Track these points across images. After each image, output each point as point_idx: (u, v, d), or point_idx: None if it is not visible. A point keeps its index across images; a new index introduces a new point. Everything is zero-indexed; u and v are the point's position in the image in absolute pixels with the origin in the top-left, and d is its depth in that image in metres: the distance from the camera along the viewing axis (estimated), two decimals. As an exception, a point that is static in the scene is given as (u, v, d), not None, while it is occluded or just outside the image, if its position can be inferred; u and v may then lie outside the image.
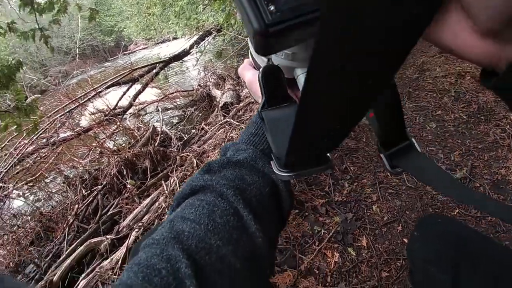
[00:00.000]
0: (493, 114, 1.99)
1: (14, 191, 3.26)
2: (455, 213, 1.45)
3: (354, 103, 0.24)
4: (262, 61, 0.43)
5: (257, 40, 0.22)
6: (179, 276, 0.28)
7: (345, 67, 0.20)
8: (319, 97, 0.23)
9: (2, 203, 3.17)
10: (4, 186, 3.25)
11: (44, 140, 3.78)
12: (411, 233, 0.75)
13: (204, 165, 0.40)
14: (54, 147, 3.59)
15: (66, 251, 2.09)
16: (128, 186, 2.49)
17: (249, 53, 0.46)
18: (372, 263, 1.31)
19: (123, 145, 3.23)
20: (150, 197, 2.17)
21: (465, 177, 1.61)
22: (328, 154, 0.36)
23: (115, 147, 3.15)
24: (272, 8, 0.21)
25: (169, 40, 11.55)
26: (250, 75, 0.45)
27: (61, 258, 2.04)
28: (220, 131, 2.76)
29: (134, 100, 4.52)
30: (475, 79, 2.39)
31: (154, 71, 4.91)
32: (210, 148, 2.48)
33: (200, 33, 6.04)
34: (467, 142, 1.84)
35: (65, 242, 2.25)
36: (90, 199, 2.61)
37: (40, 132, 3.69)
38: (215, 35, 5.76)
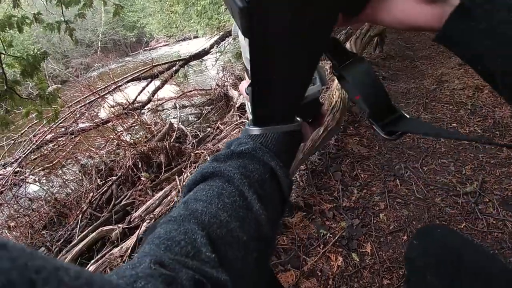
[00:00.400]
0: (508, 130, 1.97)
1: (31, 176, 3.37)
2: (462, 226, 1.45)
3: (293, 62, 0.30)
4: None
5: (241, 17, 0.25)
6: (196, 245, 0.31)
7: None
8: (267, 56, 0.29)
9: (18, 187, 3.27)
10: (21, 170, 3.37)
11: (63, 129, 3.90)
12: (410, 241, 0.76)
13: (212, 156, 0.44)
14: (73, 136, 3.69)
15: (77, 237, 2.16)
16: (142, 178, 2.56)
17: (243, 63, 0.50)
18: (375, 270, 1.33)
19: (140, 139, 3.30)
20: (163, 190, 2.23)
21: (475, 191, 1.61)
22: (298, 118, 0.44)
23: (132, 140, 3.22)
24: None
25: (190, 39, 11.66)
26: (245, 85, 0.50)
27: (72, 243, 2.11)
28: (235, 131, 2.80)
29: (152, 96, 4.60)
30: (493, 93, 2.37)
31: (174, 68, 4.98)
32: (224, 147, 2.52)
33: (221, 33, 6.08)
34: (480, 157, 1.83)
35: (78, 228, 2.33)
36: (105, 188, 2.70)
37: (60, 121, 3.80)
38: (235, 36, 5.78)
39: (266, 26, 0.26)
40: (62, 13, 3.55)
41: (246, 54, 0.36)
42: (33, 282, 0.15)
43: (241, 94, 3.67)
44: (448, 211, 1.55)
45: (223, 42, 5.97)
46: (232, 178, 0.39)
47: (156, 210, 2.04)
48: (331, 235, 1.48)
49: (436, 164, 1.86)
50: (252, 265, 0.36)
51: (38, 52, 3.00)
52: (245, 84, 0.47)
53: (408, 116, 0.39)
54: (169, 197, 2.10)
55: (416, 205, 1.62)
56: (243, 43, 0.44)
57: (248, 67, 0.45)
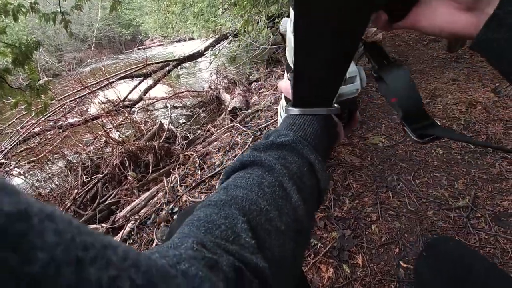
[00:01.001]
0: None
1: (16, 168, 3.28)
2: (454, 241, 1.44)
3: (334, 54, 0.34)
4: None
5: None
6: (236, 230, 0.32)
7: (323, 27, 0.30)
8: (310, 42, 0.32)
9: (2, 179, 3.18)
10: (6, 162, 3.28)
11: (52, 123, 3.83)
12: (420, 252, 0.75)
13: (252, 145, 0.47)
14: (61, 130, 3.62)
15: (60, 235, 2.09)
16: (129, 178, 2.50)
17: (286, 60, 0.55)
18: (366, 282, 1.29)
19: (128, 137, 3.25)
20: (150, 191, 2.17)
21: (467, 206, 1.60)
22: (335, 105, 0.46)
23: (120, 138, 3.17)
24: None
25: (185, 40, 11.65)
26: (285, 82, 0.52)
27: (54, 242, 2.04)
28: (226, 134, 2.76)
29: (144, 95, 4.56)
30: (486, 109, 2.38)
31: (167, 68, 4.94)
32: (215, 150, 2.48)
33: (217, 36, 6.08)
34: (472, 172, 1.83)
35: (60, 226, 2.25)
36: (90, 186, 2.63)
37: (48, 114, 3.73)
38: (231, 40, 5.80)
39: (314, 11, 0.28)
40: (59, 3, 3.48)
41: (291, 45, 0.38)
42: (80, 260, 0.14)
43: (233, 98, 3.66)
44: (440, 224, 1.53)
45: (218, 45, 5.96)
46: (273, 168, 0.39)
47: (141, 211, 1.98)
48: (322, 245, 1.45)
49: (428, 177, 1.85)
50: (289, 254, 0.36)
51: (31, 41, 2.92)
52: (282, 82, 0.51)
53: (439, 124, 0.41)
54: (155, 198, 2.05)
55: (408, 217, 1.60)
56: (290, 36, 0.48)
57: (290, 60, 0.49)
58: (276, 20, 4.46)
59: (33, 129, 3.62)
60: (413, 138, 0.41)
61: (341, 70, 0.38)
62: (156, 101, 4.80)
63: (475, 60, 3.52)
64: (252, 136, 2.46)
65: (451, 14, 0.34)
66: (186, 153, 2.60)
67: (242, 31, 4.32)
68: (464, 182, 1.77)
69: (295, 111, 0.44)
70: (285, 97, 0.57)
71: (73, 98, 4.03)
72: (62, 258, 0.13)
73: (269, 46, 4.97)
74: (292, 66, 0.41)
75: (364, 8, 0.29)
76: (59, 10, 3.49)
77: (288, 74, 0.47)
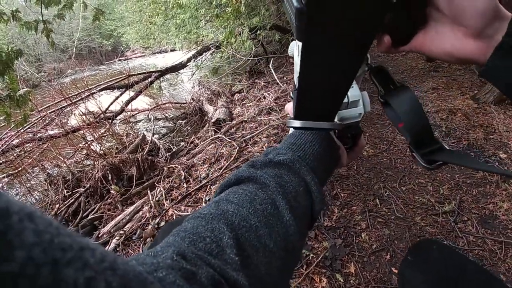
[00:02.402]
0: (483, 151, 2.04)
1: (-6, 182, 3.14)
2: (443, 247, 1.45)
3: (337, 69, 0.33)
4: None
5: (297, 16, 0.28)
6: (221, 244, 0.31)
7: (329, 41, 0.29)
8: (314, 64, 0.32)
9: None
10: (-16, 175, 3.14)
11: (31, 135, 3.70)
12: (404, 257, 0.74)
13: (249, 161, 0.45)
14: (40, 143, 3.49)
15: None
16: (112, 191, 2.42)
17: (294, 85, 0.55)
18: (359, 291, 1.28)
19: (111, 149, 3.17)
20: (134, 205, 2.10)
21: (453, 210, 1.63)
22: (336, 121, 0.45)
23: (102, 151, 3.08)
24: None
25: (167, 52, 11.60)
26: (291, 105, 0.52)
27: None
28: (211, 146, 2.74)
29: (126, 106, 4.48)
30: (466, 116, 2.46)
31: (149, 79, 4.89)
32: (200, 162, 2.45)
33: (199, 47, 6.08)
34: (456, 177, 1.87)
35: (40, 243, 2.15)
36: (71, 200, 2.52)
37: (28, 126, 3.61)
38: (213, 51, 5.82)
39: (318, 26, 0.27)
40: (41, 12, 3.41)
41: (297, 68, 0.39)
42: (56, 261, 0.14)
43: (217, 109, 3.65)
44: (428, 230, 1.54)
45: (201, 57, 5.96)
46: (267, 186, 0.39)
47: (126, 226, 1.91)
48: (314, 256, 1.43)
49: (414, 184, 1.88)
50: (275, 272, 0.35)
51: (12, 50, 2.83)
52: (289, 104, 0.51)
53: (448, 148, 0.41)
54: (140, 213, 1.98)
55: (397, 224, 1.60)
56: (297, 59, 0.48)
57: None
58: (258, 32, 4.50)
59: (12, 141, 3.49)
60: (422, 164, 0.41)
61: (343, 89, 0.37)
62: (138, 113, 4.72)
63: (453, 69, 3.64)
64: (238, 148, 2.44)
65: (459, 39, 0.34)
66: (170, 165, 2.54)
67: (224, 42, 4.34)
68: (449, 187, 1.80)
69: (296, 123, 0.44)
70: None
71: (53, 110, 3.92)
72: (39, 258, 0.13)
73: (252, 58, 5.00)
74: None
75: (369, 30, 0.28)
76: (41, 19, 3.42)
77: (291, 92, 0.47)
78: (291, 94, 0.49)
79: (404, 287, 0.72)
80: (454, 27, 0.34)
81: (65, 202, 2.51)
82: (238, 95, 4.37)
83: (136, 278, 0.19)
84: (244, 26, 4.28)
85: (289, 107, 0.52)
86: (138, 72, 4.94)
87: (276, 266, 0.35)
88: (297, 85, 0.38)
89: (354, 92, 0.48)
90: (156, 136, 3.85)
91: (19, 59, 3.01)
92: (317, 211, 0.44)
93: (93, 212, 2.34)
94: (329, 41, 0.29)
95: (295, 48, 0.54)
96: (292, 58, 0.55)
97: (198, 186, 2.06)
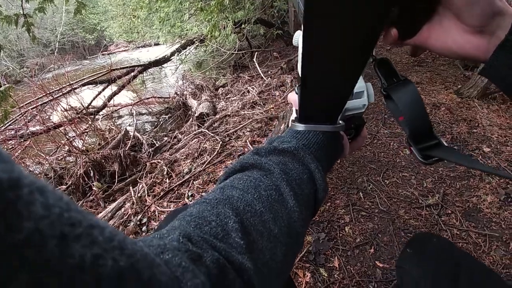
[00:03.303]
0: (466, 145, 2.05)
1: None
2: (426, 239, 1.45)
3: (346, 62, 0.32)
4: None
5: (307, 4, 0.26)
6: (226, 228, 0.32)
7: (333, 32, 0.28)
8: (317, 56, 0.30)
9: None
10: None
11: (13, 132, 3.63)
12: (403, 249, 0.74)
13: (253, 149, 0.45)
14: (22, 140, 3.42)
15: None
16: (94, 188, 2.36)
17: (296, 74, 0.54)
18: (344, 285, 1.27)
19: (93, 145, 3.09)
20: (116, 202, 2.05)
21: (437, 204, 1.63)
22: (340, 121, 0.45)
23: (84, 147, 3.01)
24: None
25: (150, 46, 11.45)
26: (294, 95, 0.53)
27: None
28: (194, 140, 2.70)
29: (108, 101, 4.39)
30: (450, 110, 2.48)
31: (132, 74, 4.81)
32: (182, 157, 2.41)
33: (183, 41, 6.02)
34: (440, 170, 1.88)
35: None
36: (52, 199, 2.46)
37: (9, 123, 3.51)
38: (197, 45, 5.76)
39: (323, 25, 0.27)
40: (22, 5, 3.29)
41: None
42: (64, 236, 0.14)
43: (200, 103, 3.60)
44: (412, 223, 1.54)
45: (184, 51, 5.89)
46: (271, 172, 0.40)
47: (109, 223, 1.86)
48: (297, 250, 1.42)
49: (397, 177, 1.88)
50: (279, 258, 0.35)
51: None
52: (292, 94, 0.52)
53: (446, 145, 0.41)
54: (122, 209, 1.93)
55: (381, 217, 1.60)
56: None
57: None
58: (243, 25, 4.46)
59: (-7, 138, 3.38)
60: (418, 158, 0.41)
61: (348, 87, 0.37)
62: (121, 108, 4.64)
63: (437, 63, 3.67)
64: (221, 142, 2.41)
65: (461, 36, 0.34)
66: (153, 161, 2.50)
67: (209, 36, 4.28)
68: (433, 181, 1.81)
69: (300, 127, 0.45)
70: (296, 110, 0.58)
71: (34, 106, 3.81)
72: (47, 230, 0.13)
73: (236, 52, 4.96)
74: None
75: (377, 22, 0.27)
76: (21, 12, 3.32)
77: (296, 87, 0.47)
78: (296, 90, 0.49)
79: (403, 280, 0.72)
80: (457, 23, 0.34)
81: (45, 200, 2.44)
82: (222, 89, 4.33)
83: (143, 258, 0.19)
84: (229, 20, 4.23)
85: (293, 97, 0.52)
86: (121, 67, 4.85)
87: (280, 252, 0.35)
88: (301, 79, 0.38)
89: (358, 84, 0.47)
90: (139, 131, 3.79)
91: (0, 54, 2.91)
92: (320, 199, 0.44)
93: (74, 210, 2.29)
94: (338, 31, 0.27)
95: (300, 38, 0.54)
96: (296, 47, 0.54)
97: (180, 182, 2.03)
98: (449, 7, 0.34)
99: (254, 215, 0.35)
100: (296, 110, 0.54)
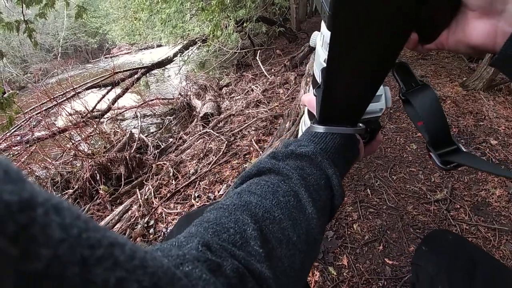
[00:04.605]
0: (473, 138, 2.03)
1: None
2: (436, 235, 1.44)
3: (368, 71, 0.32)
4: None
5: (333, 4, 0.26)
6: (245, 236, 0.31)
7: (359, 43, 0.28)
8: (343, 58, 0.31)
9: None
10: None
11: (18, 138, 3.62)
12: (418, 247, 0.73)
13: (270, 152, 0.45)
14: (28, 145, 3.42)
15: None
16: (101, 192, 2.37)
17: (306, 74, 0.53)
18: (353, 283, 1.26)
19: (98, 149, 3.11)
20: (123, 205, 2.06)
21: (445, 198, 1.62)
22: (360, 124, 0.46)
23: (90, 151, 3.02)
24: None
25: (153, 47, 11.46)
26: (310, 96, 0.52)
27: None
28: (199, 141, 2.70)
29: (113, 104, 4.41)
30: (456, 103, 2.45)
31: (136, 76, 4.82)
32: (188, 158, 2.41)
33: (185, 42, 6.03)
34: (447, 165, 1.85)
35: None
36: (59, 203, 2.47)
37: (14, 129, 3.53)
38: (199, 45, 5.76)
39: (347, 31, 0.27)
40: (22, 12, 3.31)
41: (320, 59, 0.40)
42: (85, 260, 0.13)
43: (204, 104, 3.60)
44: (421, 219, 1.53)
45: (187, 51, 5.89)
46: (289, 178, 0.39)
47: (116, 226, 1.87)
48: (306, 248, 1.41)
49: (404, 172, 1.86)
50: (297, 266, 0.35)
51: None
52: (306, 96, 0.52)
53: (465, 150, 0.41)
54: (129, 212, 1.94)
55: (389, 214, 1.59)
56: (320, 50, 0.49)
57: (317, 75, 0.50)
58: (245, 24, 4.45)
59: (-1, 145, 3.41)
60: (438, 164, 0.41)
61: (371, 90, 0.37)
62: (126, 110, 4.65)
63: (441, 56, 3.64)
64: (226, 142, 2.40)
65: (468, 24, 0.32)
66: (158, 162, 2.50)
67: (211, 36, 4.28)
68: (440, 175, 1.79)
69: (320, 128, 0.44)
70: (309, 112, 0.57)
71: (39, 111, 3.84)
72: (66, 256, 0.12)
73: (238, 50, 4.96)
74: (319, 81, 0.41)
75: (403, 27, 0.27)
76: (22, 19, 3.34)
77: (314, 90, 0.47)
78: (314, 92, 0.49)
79: (418, 278, 0.71)
80: (466, 11, 0.32)
81: (53, 205, 2.46)
82: (226, 88, 4.33)
83: (165, 275, 0.19)
84: (230, 19, 4.23)
85: (307, 98, 0.52)
86: (124, 69, 4.86)
87: (299, 259, 0.35)
88: (320, 81, 0.38)
89: None
90: (144, 133, 3.80)
91: (2, 60, 2.93)
92: (336, 206, 0.43)
93: (81, 214, 2.30)
94: (365, 34, 0.27)
95: (318, 39, 0.53)
96: (316, 47, 0.54)
97: (187, 183, 2.03)
98: None
99: (273, 222, 0.34)
100: (309, 112, 0.53)
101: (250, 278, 0.28)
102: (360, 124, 0.46)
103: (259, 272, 0.29)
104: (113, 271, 0.14)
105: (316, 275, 1.29)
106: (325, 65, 0.33)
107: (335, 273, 1.30)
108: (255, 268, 0.29)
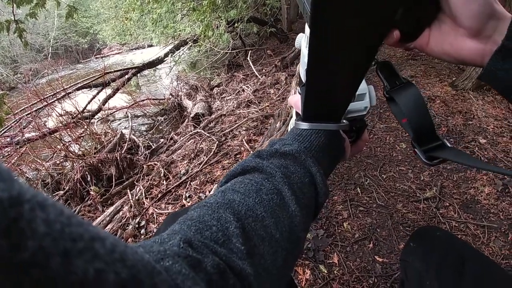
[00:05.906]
0: (462, 137, 2.05)
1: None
2: (425, 232, 1.46)
3: (350, 64, 0.33)
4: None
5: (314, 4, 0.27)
6: (227, 233, 0.31)
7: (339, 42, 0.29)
8: (323, 57, 0.31)
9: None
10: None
11: (8, 139, 3.59)
12: (406, 243, 0.73)
13: (255, 151, 0.45)
14: (18, 146, 3.39)
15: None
16: (92, 193, 2.35)
17: (297, 75, 0.54)
18: (344, 281, 1.27)
19: (89, 150, 3.08)
20: (114, 205, 2.05)
21: (434, 197, 1.64)
22: (344, 121, 0.46)
23: (81, 152, 2.99)
24: None
25: (144, 48, 11.39)
26: (296, 97, 0.54)
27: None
28: (190, 141, 2.70)
29: (103, 105, 4.38)
30: (445, 103, 2.48)
31: (127, 76, 4.80)
32: (179, 158, 2.40)
33: (176, 42, 6.01)
34: (437, 163, 1.88)
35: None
36: (50, 204, 2.44)
37: (4, 130, 3.49)
38: (190, 46, 5.75)
39: (328, 27, 0.27)
40: (13, 11, 3.27)
41: (305, 59, 0.39)
42: (67, 252, 0.14)
43: (195, 104, 3.59)
44: (410, 216, 1.55)
45: (178, 51, 5.87)
46: (273, 176, 0.39)
47: (107, 227, 1.86)
48: (296, 247, 1.42)
49: (394, 171, 1.88)
50: (279, 263, 0.35)
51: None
52: (293, 97, 0.53)
53: (449, 145, 0.42)
54: (120, 213, 1.93)
55: (379, 212, 1.60)
56: (304, 50, 0.50)
57: (303, 74, 0.50)
58: (236, 24, 4.45)
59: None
60: (423, 160, 0.42)
61: (352, 87, 0.38)
62: (116, 111, 4.62)
63: (431, 57, 3.67)
64: (217, 142, 2.40)
65: (458, 40, 0.34)
66: (149, 163, 2.49)
67: (202, 36, 4.28)
68: (430, 174, 1.81)
69: (304, 125, 0.45)
70: (296, 112, 0.58)
71: (29, 112, 3.79)
72: (50, 248, 0.13)
73: (230, 51, 4.96)
74: (304, 80, 0.42)
75: (382, 25, 0.28)
76: (13, 19, 3.29)
77: (299, 88, 0.48)
78: (298, 90, 0.50)
79: (407, 273, 0.72)
80: (455, 27, 0.34)
81: (43, 206, 2.43)
82: (217, 88, 4.33)
83: (144, 268, 0.19)
84: (221, 19, 4.23)
85: (294, 99, 0.53)
86: (115, 70, 4.83)
87: (281, 257, 0.35)
88: (304, 80, 0.38)
89: (361, 86, 0.48)
90: (135, 133, 3.77)
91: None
92: (320, 204, 0.44)
93: (72, 215, 2.27)
94: (344, 33, 0.28)
95: (303, 40, 0.54)
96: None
97: (178, 183, 2.02)
98: (447, 9, 0.34)
99: (255, 219, 0.34)
100: (297, 112, 0.54)
101: (231, 274, 0.28)
102: (344, 121, 0.46)
103: (240, 269, 0.29)
104: (92, 263, 0.15)
105: (307, 273, 1.29)
106: None
107: (325, 271, 1.31)
108: (236, 265, 0.29)
